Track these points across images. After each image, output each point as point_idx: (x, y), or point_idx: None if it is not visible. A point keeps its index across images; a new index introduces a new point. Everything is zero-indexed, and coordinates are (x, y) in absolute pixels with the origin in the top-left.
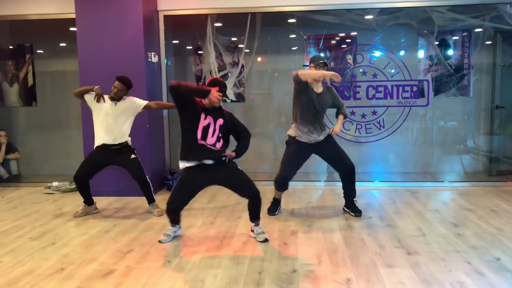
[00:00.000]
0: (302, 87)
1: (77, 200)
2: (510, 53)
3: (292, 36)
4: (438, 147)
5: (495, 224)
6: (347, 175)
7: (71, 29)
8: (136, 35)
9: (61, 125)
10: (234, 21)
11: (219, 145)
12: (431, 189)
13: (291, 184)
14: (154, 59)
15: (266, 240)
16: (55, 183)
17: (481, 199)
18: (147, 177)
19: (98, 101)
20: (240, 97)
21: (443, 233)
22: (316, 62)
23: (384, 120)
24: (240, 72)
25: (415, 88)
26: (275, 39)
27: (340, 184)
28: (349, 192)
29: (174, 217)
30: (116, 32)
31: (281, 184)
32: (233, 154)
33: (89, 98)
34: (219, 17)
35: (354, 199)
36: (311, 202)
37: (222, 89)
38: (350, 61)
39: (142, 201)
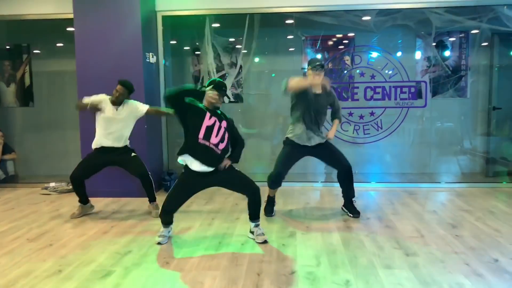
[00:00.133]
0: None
1: (74, 201)
2: (507, 55)
3: (290, 37)
4: (436, 148)
5: (492, 225)
6: (344, 174)
7: (69, 29)
8: (134, 36)
9: (58, 126)
10: (232, 22)
11: (222, 145)
12: (428, 190)
13: (290, 185)
14: (152, 59)
15: (265, 242)
16: (52, 184)
17: (478, 200)
18: (150, 174)
19: (95, 111)
20: (238, 98)
21: (441, 234)
22: (312, 65)
23: (382, 121)
24: (238, 73)
25: (413, 89)
26: (273, 40)
27: (338, 185)
28: (348, 192)
29: (168, 219)
30: (114, 33)
31: (274, 181)
32: (228, 162)
33: (95, 104)
34: (218, 17)
35: (353, 199)
36: (310, 203)
37: (222, 89)
38: (348, 62)
39: (139, 202)
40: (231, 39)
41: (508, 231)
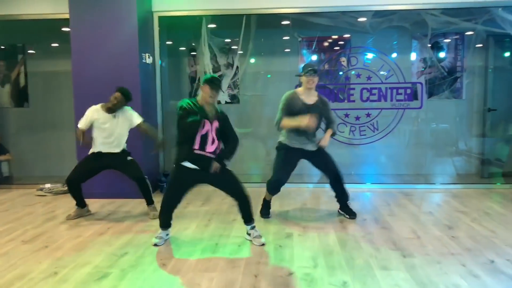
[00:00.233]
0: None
1: (69, 202)
2: (502, 56)
3: (287, 38)
4: (431, 149)
5: (488, 227)
6: (333, 180)
7: (64, 29)
8: (131, 36)
9: (54, 126)
10: (228, 23)
11: (215, 147)
12: (424, 191)
13: (287, 186)
14: (149, 60)
15: (263, 245)
16: (47, 185)
17: (473, 201)
18: (146, 177)
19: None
20: (234, 99)
21: (437, 235)
22: (305, 70)
23: (378, 123)
24: (235, 74)
25: (408, 91)
26: (269, 41)
27: None
28: (341, 196)
29: (166, 219)
30: (110, 33)
31: (274, 187)
32: (218, 167)
33: (90, 122)
34: (214, 18)
35: (347, 202)
36: (306, 204)
37: (216, 83)
38: (344, 63)
39: (135, 203)
40: (228, 40)
41: (503, 232)
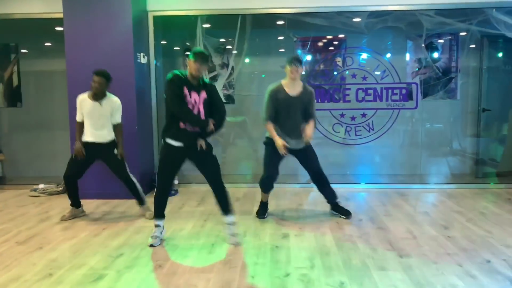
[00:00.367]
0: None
1: (64, 202)
2: (496, 57)
3: (282, 38)
4: (426, 150)
5: (484, 227)
6: (314, 179)
7: (57, 28)
8: (125, 36)
9: (47, 126)
10: (223, 23)
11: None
12: (419, 191)
13: (283, 186)
14: (144, 60)
15: (237, 244)
16: (41, 186)
17: (469, 201)
18: (132, 175)
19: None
20: (229, 99)
21: (433, 235)
22: (289, 60)
23: (373, 123)
24: (230, 74)
25: (404, 91)
26: (264, 41)
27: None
28: (328, 195)
29: (161, 205)
30: (105, 33)
31: (266, 184)
32: (203, 143)
33: (81, 110)
34: (209, 18)
35: (337, 201)
36: (302, 205)
37: (204, 57)
38: (340, 63)
39: (130, 203)
40: (223, 40)
41: (499, 232)
